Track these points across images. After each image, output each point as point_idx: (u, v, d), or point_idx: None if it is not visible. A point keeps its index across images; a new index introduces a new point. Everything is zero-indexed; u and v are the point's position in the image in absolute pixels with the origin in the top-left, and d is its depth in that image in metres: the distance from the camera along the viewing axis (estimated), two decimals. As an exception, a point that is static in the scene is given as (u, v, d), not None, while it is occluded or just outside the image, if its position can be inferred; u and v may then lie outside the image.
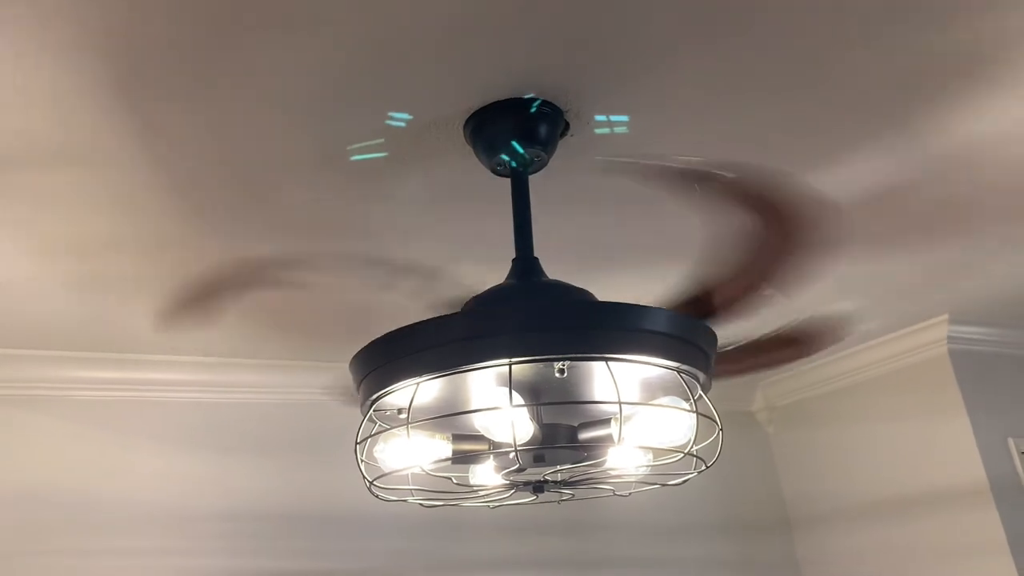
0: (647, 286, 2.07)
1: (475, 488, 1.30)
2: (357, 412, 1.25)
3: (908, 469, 2.86)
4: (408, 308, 1.40)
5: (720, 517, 3.13)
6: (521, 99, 1.33)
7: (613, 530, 2.89)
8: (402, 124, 1.39)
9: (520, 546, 2.73)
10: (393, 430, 1.22)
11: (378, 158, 1.45)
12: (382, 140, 1.43)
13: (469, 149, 1.41)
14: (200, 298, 1.55)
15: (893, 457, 2.91)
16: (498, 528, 2.69)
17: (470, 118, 1.37)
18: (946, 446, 2.74)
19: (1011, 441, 2.71)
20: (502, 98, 1.33)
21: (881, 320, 2.73)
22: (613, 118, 1.43)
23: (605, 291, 1.35)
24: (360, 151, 1.45)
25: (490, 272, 1.37)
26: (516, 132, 1.35)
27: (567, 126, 1.40)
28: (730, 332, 1.33)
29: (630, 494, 1.37)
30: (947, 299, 2.59)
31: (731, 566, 3.07)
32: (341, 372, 1.35)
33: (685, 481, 1.26)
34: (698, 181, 1.39)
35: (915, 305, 2.62)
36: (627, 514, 2.90)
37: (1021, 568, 2.52)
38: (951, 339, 2.76)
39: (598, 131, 1.43)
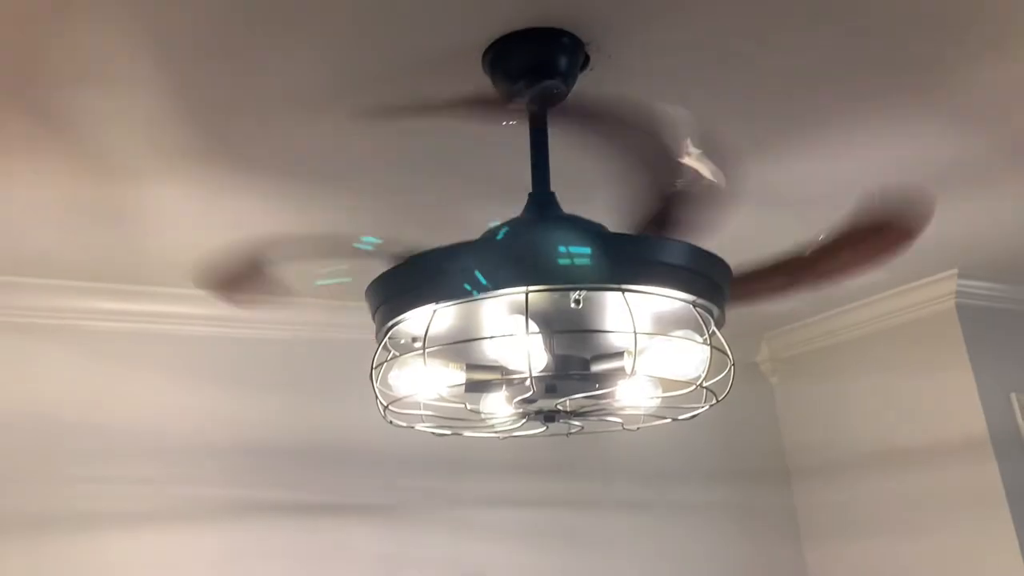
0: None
1: (486, 417, 1.32)
2: (366, 349, 1.26)
3: (909, 422, 2.88)
4: (423, 243, 1.40)
5: (721, 464, 3.17)
6: (542, 29, 1.31)
7: (615, 472, 2.93)
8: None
9: (525, 484, 2.77)
10: (407, 357, 1.23)
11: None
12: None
13: (487, 80, 1.40)
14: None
15: (895, 410, 2.93)
16: (503, 467, 2.73)
17: (489, 48, 1.35)
18: (948, 400, 2.76)
19: (1014, 396, 2.73)
20: (522, 28, 1.31)
21: (890, 273, 2.72)
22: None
23: (618, 228, 1.35)
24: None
25: (506, 206, 1.37)
26: (536, 64, 1.33)
27: (587, 59, 1.38)
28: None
29: (638, 428, 1.39)
30: (957, 254, 2.59)
31: (729, 510, 3.12)
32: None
33: (695, 415, 1.27)
34: None
35: (925, 259, 2.62)
36: (630, 457, 2.94)
37: (1018, 519, 2.56)
38: (960, 294, 2.76)
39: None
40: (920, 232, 1.34)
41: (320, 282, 1.99)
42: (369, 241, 1.32)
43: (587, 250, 1.05)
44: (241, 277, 1.60)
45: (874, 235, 1.33)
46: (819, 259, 1.36)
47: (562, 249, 1.05)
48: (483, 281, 1.05)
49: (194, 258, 2.17)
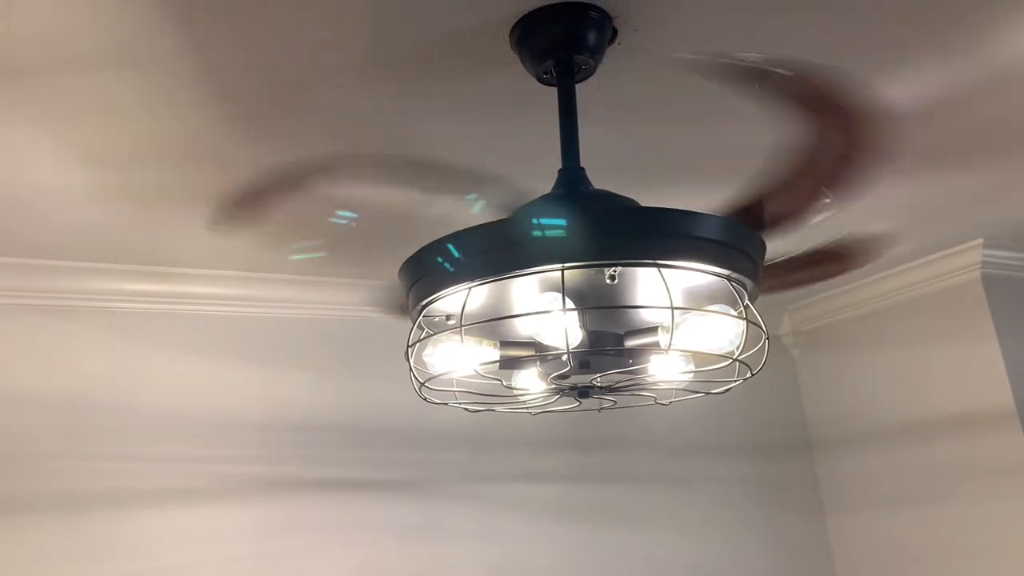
0: (689, 198, 2.06)
1: (519, 393, 1.33)
2: (395, 329, 1.27)
3: (934, 393, 2.88)
4: (453, 220, 1.40)
5: (743, 437, 3.18)
6: (569, 4, 1.30)
7: (641, 447, 2.95)
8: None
9: (551, 458, 2.80)
10: (440, 335, 1.24)
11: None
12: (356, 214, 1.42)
13: (515, 57, 1.39)
14: (247, 206, 1.55)
15: (919, 382, 2.93)
16: (531, 442, 2.76)
17: (516, 24, 1.34)
18: (974, 371, 2.75)
19: (1040, 366, 2.72)
20: (550, 3, 1.30)
21: (915, 243, 2.70)
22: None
23: (648, 201, 1.35)
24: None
25: (535, 183, 1.37)
26: (564, 39, 1.33)
27: (615, 33, 1.38)
28: (774, 247, 1.34)
29: (671, 403, 1.40)
30: (983, 223, 2.56)
31: (752, 483, 3.13)
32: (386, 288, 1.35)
33: (728, 389, 1.27)
34: (758, 80, 1.37)
35: (950, 229, 2.60)
36: (654, 432, 2.96)
37: (1044, 489, 2.56)
38: (985, 264, 2.74)
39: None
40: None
41: (296, 256, 2.00)
42: (345, 216, 1.34)
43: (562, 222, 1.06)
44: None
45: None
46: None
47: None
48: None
49: (221, 239, 2.21)
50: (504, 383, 1.32)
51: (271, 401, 2.51)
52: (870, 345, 3.13)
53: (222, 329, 2.52)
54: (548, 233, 1.08)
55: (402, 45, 1.39)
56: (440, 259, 1.13)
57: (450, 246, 1.12)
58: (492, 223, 1.15)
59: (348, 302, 2.65)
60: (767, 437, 3.24)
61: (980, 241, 2.70)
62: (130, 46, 1.34)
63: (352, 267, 2.53)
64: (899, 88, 1.62)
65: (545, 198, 1.27)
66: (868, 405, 3.10)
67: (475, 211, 1.92)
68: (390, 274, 1.26)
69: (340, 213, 1.33)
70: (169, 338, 2.45)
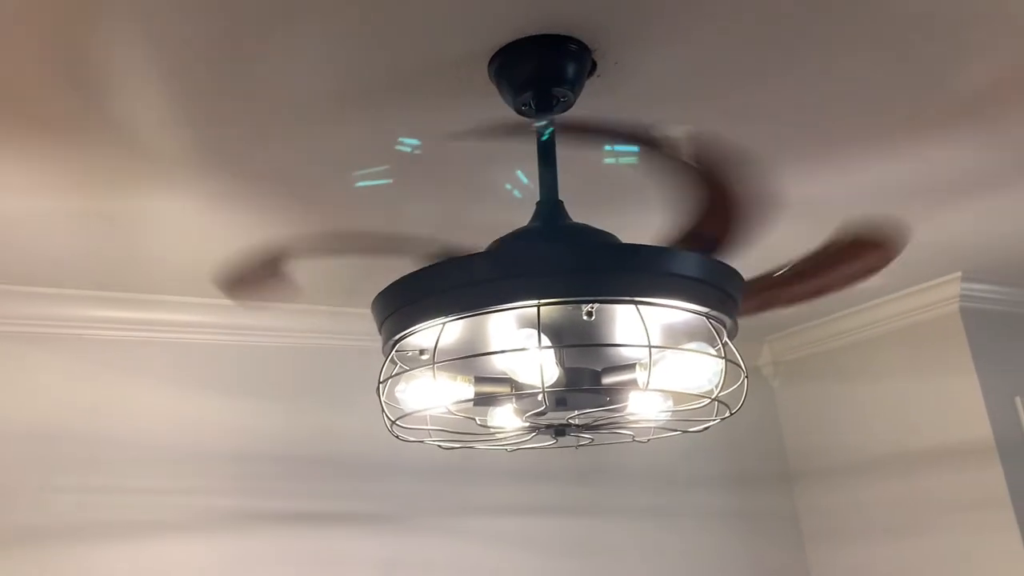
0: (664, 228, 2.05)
1: (495, 431, 1.30)
2: (370, 357, 1.23)
3: (913, 425, 2.87)
4: (427, 251, 1.38)
5: (722, 469, 3.16)
6: (548, 36, 1.29)
7: (619, 479, 2.92)
8: (407, 149, 1.38)
9: (529, 491, 2.76)
10: (414, 371, 1.21)
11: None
12: (387, 166, 1.41)
13: (493, 88, 1.38)
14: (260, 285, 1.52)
15: (899, 413, 2.92)
16: (509, 474, 2.72)
17: (495, 56, 1.33)
18: (953, 403, 2.75)
19: (1018, 400, 2.72)
20: (529, 35, 1.29)
21: (893, 276, 2.71)
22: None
23: (625, 231, 1.33)
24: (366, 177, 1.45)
25: (513, 215, 1.35)
26: (543, 71, 1.31)
27: (594, 66, 1.36)
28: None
29: (648, 440, 1.37)
30: (961, 257, 2.57)
31: (732, 515, 3.10)
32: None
33: (707, 428, 1.25)
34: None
35: (928, 262, 2.60)
36: (633, 464, 2.93)
37: (1022, 522, 2.54)
38: (963, 297, 2.75)
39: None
40: (894, 257, 1.45)
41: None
42: (408, 143, 1.31)
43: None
44: (257, 277, 1.58)
45: (852, 257, 1.42)
46: (795, 279, 1.41)
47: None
48: None
49: (195, 267, 2.17)
50: (479, 420, 1.29)
51: (244, 431, 2.46)
52: (849, 377, 3.12)
53: (195, 357, 2.47)
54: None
55: (380, 75, 1.37)
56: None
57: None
58: (469, 256, 1.13)
59: (324, 330, 2.61)
60: (746, 468, 3.22)
61: (959, 274, 2.71)
62: (104, 72, 1.31)
63: (328, 295, 2.50)
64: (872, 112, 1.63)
65: (522, 231, 1.25)
66: (847, 437, 3.09)
67: (448, 244, 1.90)
68: (366, 302, 1.23)
69: (403, 140, 1.30)
70: (142, 366, 2.39)
